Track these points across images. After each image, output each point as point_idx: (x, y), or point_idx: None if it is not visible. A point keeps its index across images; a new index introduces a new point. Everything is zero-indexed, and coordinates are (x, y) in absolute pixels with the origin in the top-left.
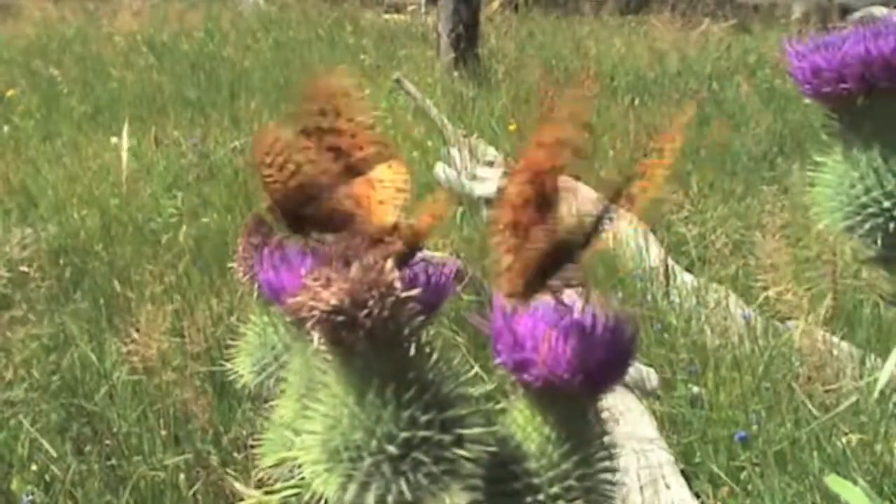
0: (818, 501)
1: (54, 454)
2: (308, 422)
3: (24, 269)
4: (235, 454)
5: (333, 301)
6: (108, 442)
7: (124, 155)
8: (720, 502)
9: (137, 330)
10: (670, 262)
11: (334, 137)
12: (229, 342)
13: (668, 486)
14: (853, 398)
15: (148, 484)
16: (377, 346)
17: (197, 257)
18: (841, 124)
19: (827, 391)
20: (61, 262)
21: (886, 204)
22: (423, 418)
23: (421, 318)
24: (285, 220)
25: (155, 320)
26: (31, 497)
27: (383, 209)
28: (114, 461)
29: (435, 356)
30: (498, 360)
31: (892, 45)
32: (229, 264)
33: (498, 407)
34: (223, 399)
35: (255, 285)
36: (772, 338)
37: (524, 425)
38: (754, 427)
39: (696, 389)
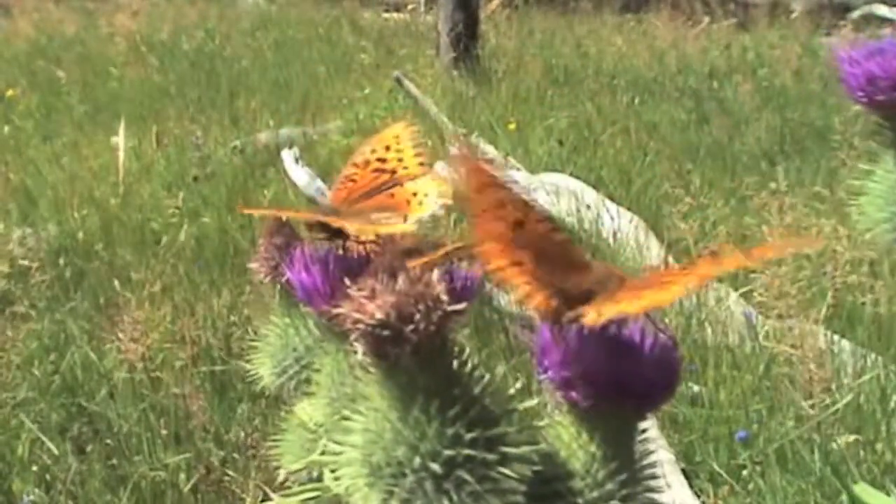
0: (819, 500)
1: (56, 452)
2: (348, 434)
3: (24, 267)
4: (236, 455)
5: (379, 315)
6: (108, 442)
7: (121, 154)
8: (721, 501)
9: (138, 329)
10: (671, 260)
11: (382, 163)
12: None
13: (668, 486)
14: (852, 396)
15: (148, 483)
16: (422, 361)
17: (197, 256)
18: (892, 133)
19: (827, 389)
20: (61, 261)
21: None
22: (468, 436)
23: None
24: (323, 229)
25: (155, 320)
26: (31, 497)
27: (421, 209)
28: (114, 461)
29: (479, 370)
30: (543, 377)
31: None
32: (242, 262)
33: (542, 424)
34: (223, 398)
35: (278, 286)
36: (772, 336)
37: (569, 442)
38: (755, 426)
39: (696, 388)
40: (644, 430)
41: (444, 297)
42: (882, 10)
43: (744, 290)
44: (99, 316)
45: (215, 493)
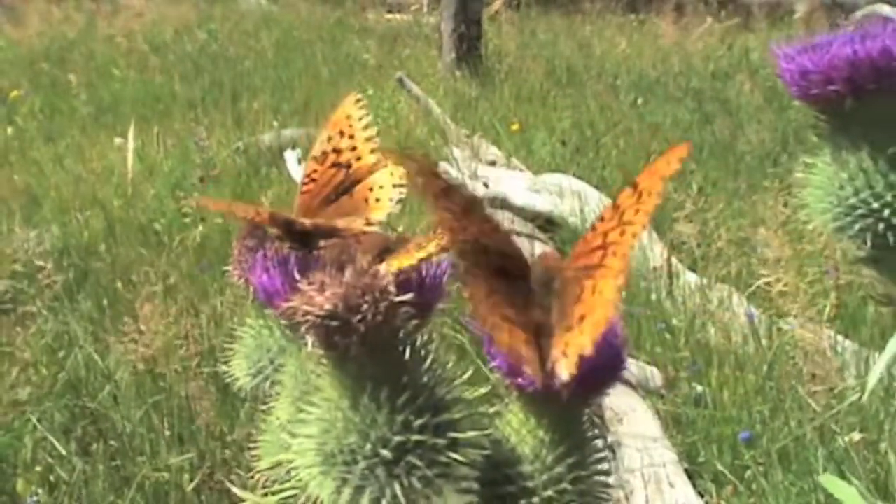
0: (822, 500)
1: (63, 452)
2: (303, 425)
3: (29, 269)
4: (239, 455)
5: (327, 306)
6: (112, 442)
7: (130, 156)
8: (724, 501)
9: (141, 331)
10: (674, 260)
11: (337, 156)
12: (225, 345)
13: (672, 485)
14: (855, 396)
15: (152, 484)
16: (371, 351)
17: (200, 257)
18: (830, 126)
19: (830, 389)
20: (65, 263)
21: (875, 205)
22: (417, 422)
23: (415, 321)
24: (287, 235)
25: (158, 320)
26: (36, 498)
27: (380, 206)
28: (118, 461)
29: (430, 359)
30: (492, 364)
31: (880, 46)
32: (224, 267)
33: (493, 410)
34: (227, 399)
35: (251, 288)
36: (775, 336)
37: (518, 428)
38: (758, 426)
39: (699, 388)
40: (587, 416)
41: (391, 289)
42: (885, 9)
43: (746, 290)
44: (103, 317)
45: (219, 494)
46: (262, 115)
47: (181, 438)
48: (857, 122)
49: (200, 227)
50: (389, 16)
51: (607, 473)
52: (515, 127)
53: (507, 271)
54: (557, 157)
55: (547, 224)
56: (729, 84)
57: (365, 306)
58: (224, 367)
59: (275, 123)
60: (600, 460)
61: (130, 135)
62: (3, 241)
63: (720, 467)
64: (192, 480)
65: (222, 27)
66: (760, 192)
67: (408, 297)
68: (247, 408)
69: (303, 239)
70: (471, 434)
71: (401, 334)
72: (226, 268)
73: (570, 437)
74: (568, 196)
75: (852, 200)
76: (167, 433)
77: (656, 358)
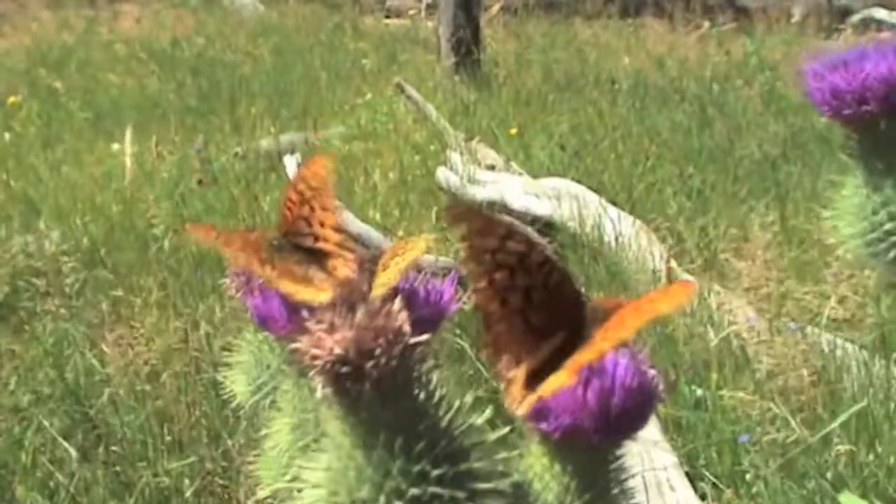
0: None
1: (63, 458)
2: (311, 472)
3: (28, 275)
4: (238, 461)
5: (337, 350)
6: (112, 448)
7: (128, 161)
8: None
9: (141, 336)
10: (673, 264)
11: (302, 239)
12: (224, 356)
13: (672, 489)
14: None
15: (152, 490)
16: (385, 396)
17: (200, 263)
18: (861, 146)
19: (832, 393)
20: (63, 268)
21: None
22: (435, 473)
23: (432, 363)
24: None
25: (157, 326)
26: None
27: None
28: (118, 467)
29: (446, 401)
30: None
31: None
32: (220, 280)
33: (515, 453)
34: (226, 405)
35: (249, 309)
36: (776, 340)
37: (542, 473)
38: (758, 430)
39: (699, 392)
40: (620, 457)
41: (406, 330)
42: (881, 13)
43: (746, 294)
44: (102, 322)
45: (218, 500)
46: (260, 120)
47: (181, 444)
48: (892, 144)
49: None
50: (388, 21)
51: None
52: (514, 131)
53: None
54: (556, 162)
55: (545, 228)
56: (727, 88)
57: (378, 350)
58: (222, 380)
59: (273, 129)
60: None
61: (127, 139)
62: (2, 247)
63: (721, 471)
64: (191, 486)
65: (220, 33)
66: (760, 196)
67: (424, 338)
68: (247, 415)
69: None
70: (494, 484)
71: (416, 377)
72: (222, 280)
73: (597, 484)
74: (566, 200)
75: (888, 226)
76: (167, 439)
77: (656, 361)
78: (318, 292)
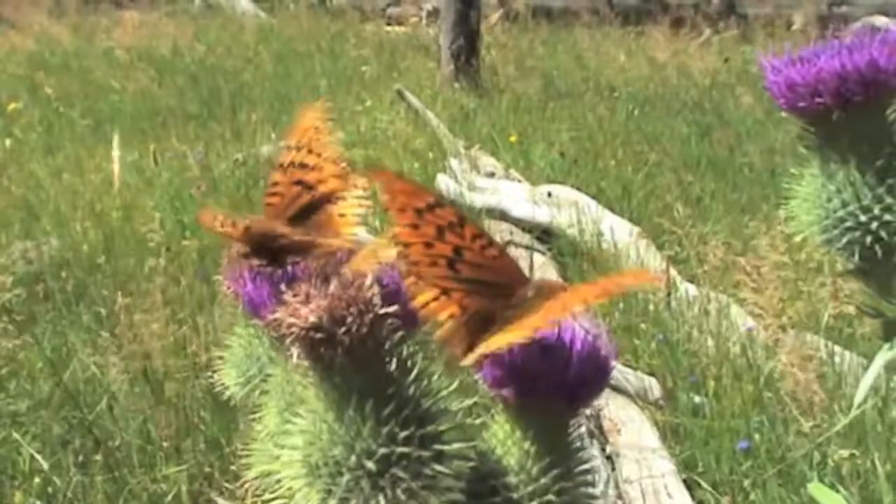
0: None
1: (62, 463)
2: (289, 436)
3: (26, 280)
4: (235, 467)
5: (312, 318)
6: (110, 454)
7: (116, 166)
8: None
9: (139, 341)
10: (672, 271)
11: (302, 172)
12: (217, 354)
13: (670, 496)
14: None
15: (149, 495)
16: (356, 363)
17: (199, 269)
18: (817, 138)
19: (830, 399)
20: (63, 274)
21: (863, 218)
22: (402, 434)
23: (401, 332)
24: (258, 255)
25: (156, 332)
26: None
27: (346, 222)
28: (116, 473)
29: (416, 371)
30: (478, 375)
31: (867, 58)
32: (214, 276)
33: (479, 421)
34: (224, 410)
35: (240, 298)
36: (774, 347)
37: (504, 440)
38: (756, 436)
39: (698, 399)
40: (578, 426)
41: (376, 301)
42: (881, 20)
43: (745, 301)
44: (100, 328)
45: None
46: (260, 126)
47: (178, 450)
48: (845, 135)
49: (196, 240)
50: (388, 28)
51: (592, 484)
52: (513, 138)
53: (488, 287)
54: (556, 169)
55: (545, 235)
56: (727, 96)
57: (350, 318)
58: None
59: (273, 135)
60: (586, 471)
61: (115, 145)
62: (2, 253)
63: (718, 478)
64: (189, 492)
65: (221, 40)
66: (759, 203)
67: (392, 308)
68: (245, 419)
69: (273, 255)
70: (456, 446)
71: (386, 346)
72: (217, 277)
73: (556, 449)
74: (566, 207)
75: (840, 213)
76: (165, 444)
77: (655, 369)
78: (344, 242)
